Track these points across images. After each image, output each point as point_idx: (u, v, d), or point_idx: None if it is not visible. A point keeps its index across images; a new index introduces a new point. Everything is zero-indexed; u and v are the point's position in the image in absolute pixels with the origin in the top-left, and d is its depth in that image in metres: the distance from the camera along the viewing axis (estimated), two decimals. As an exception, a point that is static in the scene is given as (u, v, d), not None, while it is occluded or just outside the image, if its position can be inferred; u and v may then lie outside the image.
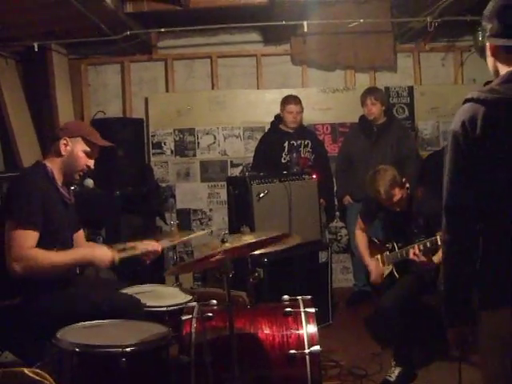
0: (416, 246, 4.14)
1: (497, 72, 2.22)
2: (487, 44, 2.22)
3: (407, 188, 4.36)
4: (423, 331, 4.56)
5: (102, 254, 3.35)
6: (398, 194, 4.25)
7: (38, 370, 2.53)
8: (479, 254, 2.17)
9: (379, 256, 4.70)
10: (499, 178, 2.10)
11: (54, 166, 3.41)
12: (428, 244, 4.05)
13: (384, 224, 4.79)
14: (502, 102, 2.08)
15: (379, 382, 4.21)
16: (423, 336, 4.61)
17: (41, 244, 3.22)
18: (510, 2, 2.14)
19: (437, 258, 4.09)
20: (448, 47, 7.20)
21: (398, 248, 4.48)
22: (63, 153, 3.40)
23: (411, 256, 4.16)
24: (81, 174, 3.49)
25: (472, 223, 2.17)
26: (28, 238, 3.16)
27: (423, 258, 4.10)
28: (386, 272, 4.62)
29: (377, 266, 4.70)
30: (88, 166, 3.48)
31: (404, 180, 4.33)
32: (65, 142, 3.40)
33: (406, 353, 4.28)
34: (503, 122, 2.07)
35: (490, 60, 2.25)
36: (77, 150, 3.41)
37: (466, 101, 2.17)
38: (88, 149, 3.45)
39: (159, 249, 3.65)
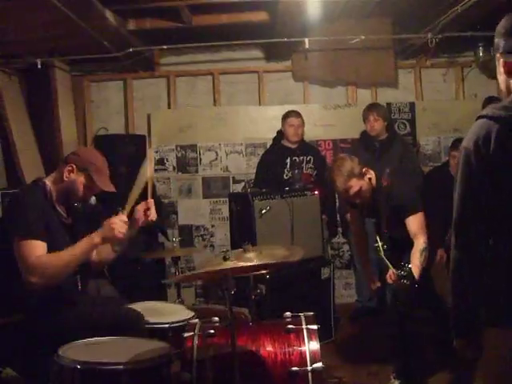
0: (390, 271, 3.93)
1: (509, 90, 2.19)
2: (500, 61, 2.19)
3: (369, 178, 4.17)
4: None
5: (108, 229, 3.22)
6: (355, 185, 4.07)
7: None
8: (489, 270, 2.15)
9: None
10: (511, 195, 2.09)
11: (53, 186, 3.41)
12: (401, 273, 3.82)
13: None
14: None
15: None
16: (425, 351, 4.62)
17: None
18: None
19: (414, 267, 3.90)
20: (449, 63, 7.23)
21: (383, 248, 4.05)
22: (66, 178, 3.39)
23: (388, 279, 3.99)
24: (76, 202, 3.49)
25: (481, 240, 2.15)
26: (35, 248, 3.15)
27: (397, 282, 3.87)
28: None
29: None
30: (84, 199, 3.49)
31: (364, 170, 4.14)
32: (70, 168, 3.38)
33: (407, 367, 4.26)
34: None
35: (502, 78, 2.22)
36: (78, 182, 3.40)
37: (480, 117, 2.15)
38: (89, 186, 3.43)
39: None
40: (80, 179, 3.40)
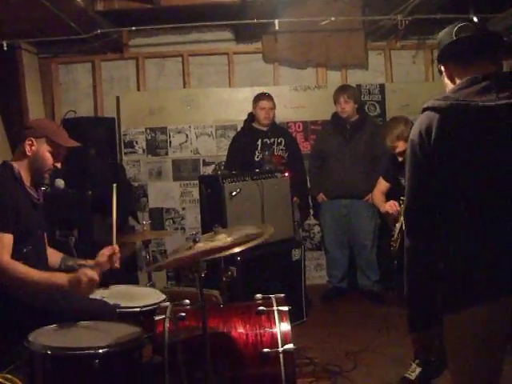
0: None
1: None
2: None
3: None
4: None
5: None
6: (401, 146, 4.51)
7: (7, 375, 2.50)
8: (443, 257, 2.20)
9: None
10: (456, 182, 2.15)
11: (21, 166, 3.35)
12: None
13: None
14: (453, 108, 2.15)
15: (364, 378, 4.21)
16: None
17: (12, 245, 3.17)
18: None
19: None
20: (419, 45, 7.26)
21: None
22: (28, 153, 3.34)
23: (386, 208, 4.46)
24: (49, 173, 3.45)
25: (433, 227, 2.21)
26: (4, 244, 3.11)
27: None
28: (398, 226, 4.57)
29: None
30: (55, 166, 3.44)
31: None
32: (30, 142, 3.34)
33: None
34: (455, 126, 2.14)
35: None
36: (42, 151, 3.35)
37: (424, 110, 2.25)
38: (54, 149, 3.38)
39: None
40: (43, 146, 3.35)
